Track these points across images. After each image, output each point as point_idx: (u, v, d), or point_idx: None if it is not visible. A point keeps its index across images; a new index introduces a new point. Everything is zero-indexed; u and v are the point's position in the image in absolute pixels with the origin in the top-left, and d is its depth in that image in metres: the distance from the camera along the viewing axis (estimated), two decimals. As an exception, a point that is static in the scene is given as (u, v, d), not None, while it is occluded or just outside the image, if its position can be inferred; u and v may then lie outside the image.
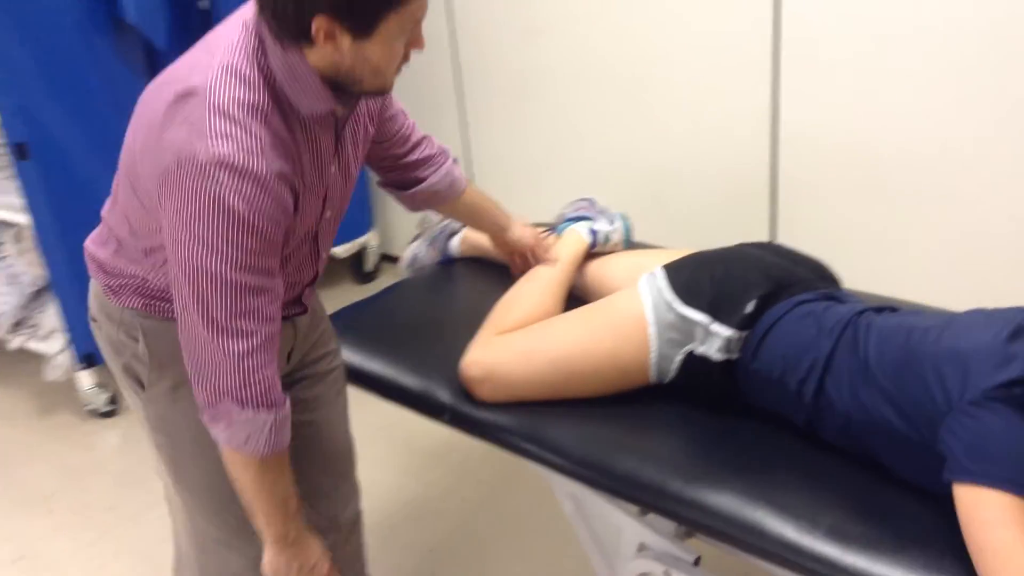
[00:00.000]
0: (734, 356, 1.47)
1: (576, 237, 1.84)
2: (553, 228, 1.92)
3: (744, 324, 1.47)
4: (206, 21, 2.71)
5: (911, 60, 2.08)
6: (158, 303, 1.30)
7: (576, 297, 1.83)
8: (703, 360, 1.48)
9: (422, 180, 1.63)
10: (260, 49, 1.13)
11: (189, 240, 1.09)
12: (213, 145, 1.06)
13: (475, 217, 1.80)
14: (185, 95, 1.10)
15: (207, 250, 1.08)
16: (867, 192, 2.27)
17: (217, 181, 1.06)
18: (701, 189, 2.56)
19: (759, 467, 1.39)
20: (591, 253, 1.87)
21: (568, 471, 1.48)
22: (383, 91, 1.20)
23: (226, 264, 1.09)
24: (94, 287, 1.38)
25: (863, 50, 2.13)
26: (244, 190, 1.07)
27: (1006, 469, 1.09)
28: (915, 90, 2.11)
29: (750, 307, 1.47)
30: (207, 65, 1.12)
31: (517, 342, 1.59)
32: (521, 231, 1.82)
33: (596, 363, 1.53)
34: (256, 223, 1.09)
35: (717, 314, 1.47)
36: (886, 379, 1.28)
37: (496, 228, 1.82)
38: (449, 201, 1.69)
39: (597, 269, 1.84)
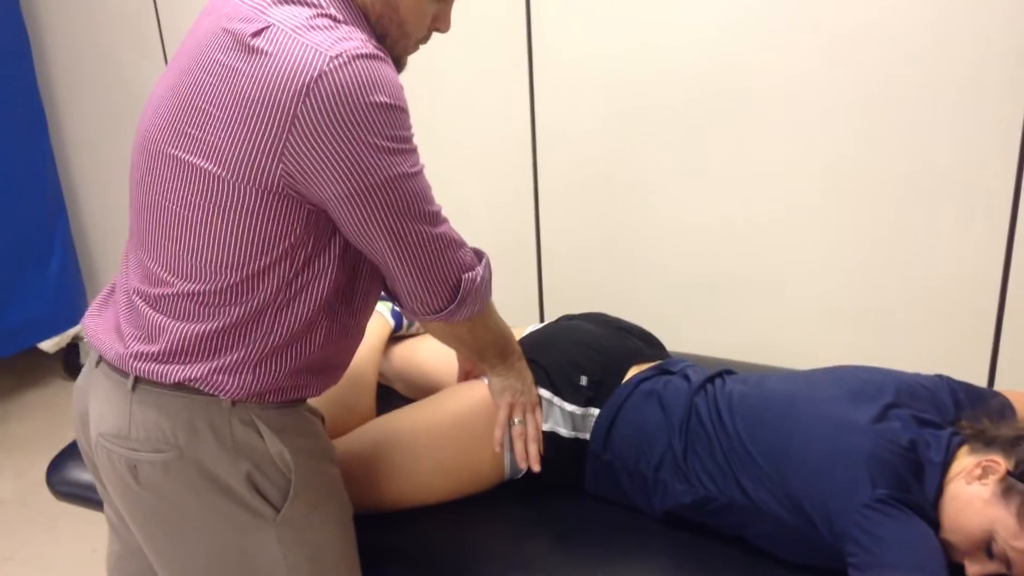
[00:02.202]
0: (583, 436, 1.41)
1: (379, 321, 1.68)
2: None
3: (585, 400, 1.42)
4: None
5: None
6: (282, 381, 1.10)
7: (383, 386, 1.68)
8: (553, 437, 1.40)
9: None
10: None
11: (357, 156, 0.99)
12: (329, 48, 0.97)
13: None
14: (257, 33, 1.00)
15: (379, 153, 1.00)
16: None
17: (359, 82, 0.97)
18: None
19: (633, 560, 1.31)
20: (395, 336, 1.72)
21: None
22: (397, 60, 1.13)
23: (400, 158, 1.03)
24: (147, 392, 1.09)
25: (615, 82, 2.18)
26: (386, 73, 1.01)
27: (911, 558, 1.11)
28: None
29: (583, 380, 1.43)
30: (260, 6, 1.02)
31: (348, 447, 1.40)
32: None
33: (446, 464, 1.39)
34: (405, 102, 1.03)
35: (556, 390, 1.42)
36: (771, 469, 1.27)
37: None
38: None
39: (406, 354, 1.70)
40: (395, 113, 1.01)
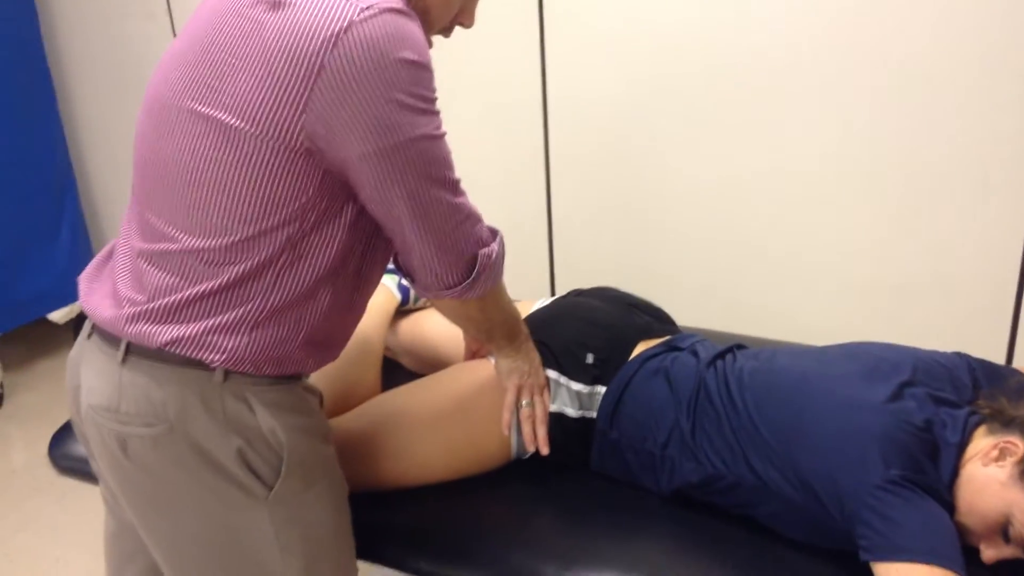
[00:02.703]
0: (590, 414, 1.38)
1: (385, 294, 1.65)
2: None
3: (591, 379, 1.39)
4: None
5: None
6: (278, 350, 1.07)
7: (389, 359, 1.66)
8: (560, 418, 1.38)
9: None
10: None
11: (383, 111, 0.96)
12: (356, 2, 0.95)
13: None
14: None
15: (405, 111, 0.98)
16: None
17: (389, 34, 0.95)
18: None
19: (639, 539, 1.29)
20: (401, 311, 1.70)
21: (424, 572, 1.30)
22: None
23: (425, 118, 1.00)
24: (138, 363, 1.05)
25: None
26: (415, 31, 0.98)
27: (925, 542, 1.08)
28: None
29: (590, 358, 1.40)
30: None
31: (351, 425, 1.38)
32: None
33: (452, 444, 1.36)
34: (428, 59, 1.01)
35: (563, 370, 1.39)
36: (780, 447, 1.23)
37: None
38: None
39: (413, 328, 1.67)
40: (423, 71, 0.99)
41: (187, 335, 1.03)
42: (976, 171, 1.80)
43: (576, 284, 1.72)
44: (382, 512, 1.34)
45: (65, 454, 1.55)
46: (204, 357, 1.03)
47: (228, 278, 1.02)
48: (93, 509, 2.20)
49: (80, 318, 2.99)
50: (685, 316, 1.71)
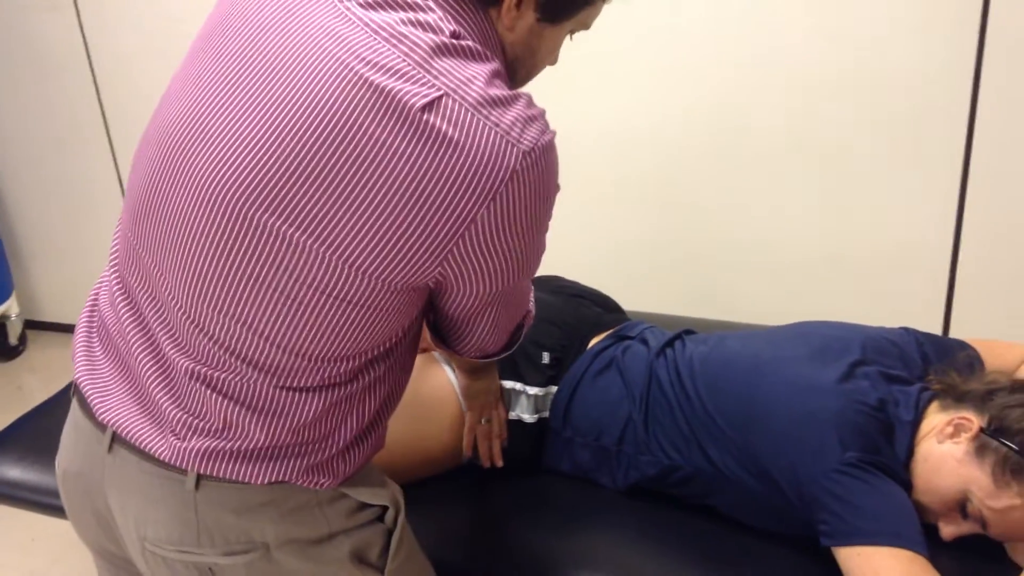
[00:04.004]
0: (545, 415, 1.35)
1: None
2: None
3: (546, 380, 1.36)
4: None
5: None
6: (371, 448, 0.96)
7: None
8: (518, 424, 1.34)
9: None
10: (459, 16, 0.85)
11: (520, 256, 0.85)
12: (520, 137, 0.79)
13: None
14: (428, 106, 0.77)
15: (537, 250, 0.89)
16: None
17: (544, 181, 0.82)
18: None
19: (597, 535, 1.26)
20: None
21: None
22: None
23: (548, 226, 0.89)
24: (216, 487, 0.88)
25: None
26: (556, 155, 0.84)
27: (886, 524, 1.07)
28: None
29: (546, 358, 1.37)
30: (415, 59, 0.79)
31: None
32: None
33: (405, 452, 1.31)
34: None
35: (522, 377, 1.36)
36: (735, 434, 1.22)
37: None
38: None
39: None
40: (555, 196, 0.87)
41: (286, 477, 0.88)
42: (910, 143, 1.81)
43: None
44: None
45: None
46: (312, 483, 0.90)
47: (322, 406, 0.88)
48: (22, 525, 2.10)
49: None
50: (630, 301, 1.69)
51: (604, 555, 1.22)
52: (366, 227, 0.78)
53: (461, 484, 1.36)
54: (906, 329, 1.35)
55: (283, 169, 0.78)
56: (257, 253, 0.80)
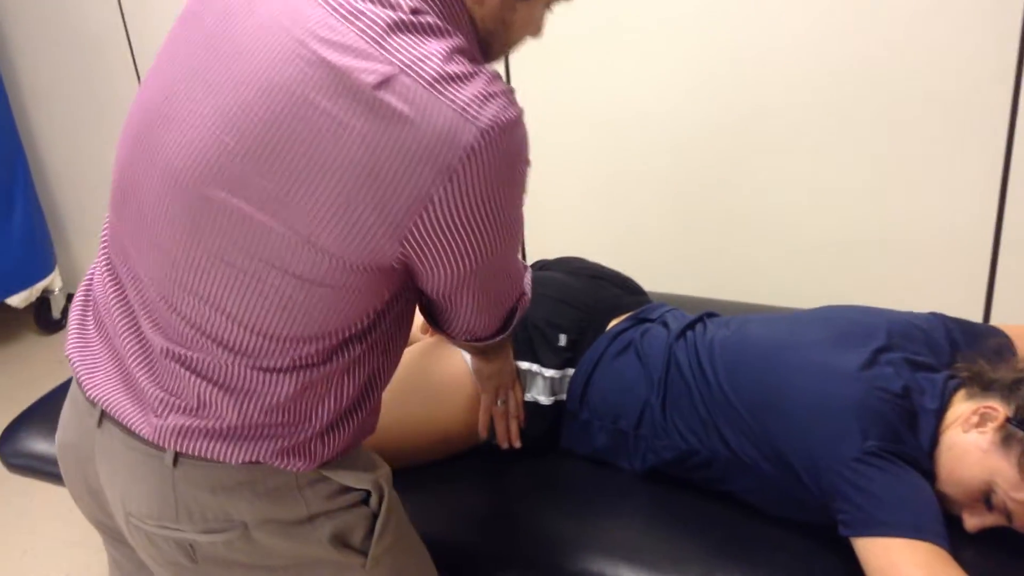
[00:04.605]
0: (562, 398, 1.34)
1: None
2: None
3: (563, 362, 1.34)
4: None
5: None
6: (363, 427, 0.96)
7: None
8: (534, 406, 1.33)
9: None
10: None
11: (487, 238, 0.84)
12: (478, 114, 0.77)
13: None
14: (381, 84, 0.76)
15: (508, 231, 0.86)
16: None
17: (507, 159, 0.80)
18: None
19: (611, 519, 1.25)
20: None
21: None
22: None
23: (521, 224, 0.89)
24: (194, 465, 0.89)
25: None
26: (525, 132, 0.84)
27: (906, 516, 1.04)
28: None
29: (562, 340, 1.35)
30: (373, 37, 0.78)
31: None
32: None
33: (418, 432, 1.32)
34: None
35: (536, 358, 1.34)
36: (754, 420, 1.19)
37: None
38: None
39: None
40: (527, 177, 0.86)
41: (262, 457, 0.89)
42: (951, 122, 1.75)
43: (541, 250, 1.66)
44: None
45: (17, 451, 1.48)
46: (287, 466, 0.90)
47: (297, 386, 0.88)
48: (59, 499, 2.15)
49: (41, 301, 2.91)
50: (653, 283, 1.67)
51: (620, 539, 1.21)
52: (322, 205, 0.78)
53: (478, 465, 1.35)
54: (934, 314, 1.32)
55: (240, 148, 0.79)
56: (219, 233, 0.81)
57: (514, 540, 1.23)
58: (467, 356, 1.32)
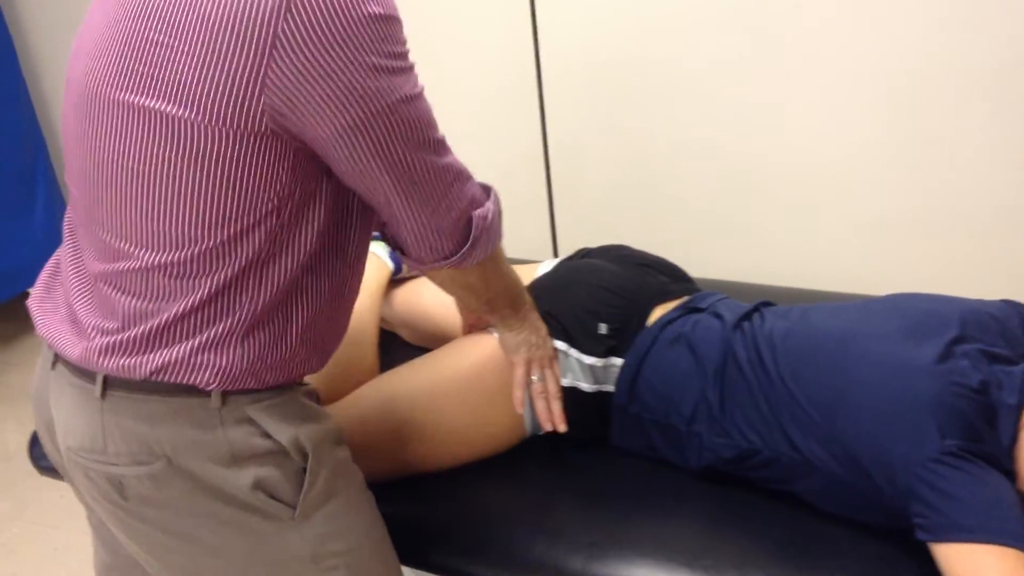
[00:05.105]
0: (607, 388, 1.27)
1: (377, 264, 1.53)
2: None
3: (606, 350, 1.28)
4: None
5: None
6: (276, 354, 0.95)
7: (385, 332, 1.55)
8: (573, 392, 1.27)
9: None
10: None
11: (353, 81, 0.84)
12: None
13: None
14: None
15: (378, 75, 0.85)
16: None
17: None
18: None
19: (669, 519, 1.19)
20: (395, 280, 1.58)
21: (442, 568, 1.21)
22: None
23: (401, 78, 0.88)
24: (121, 398, 0.93)
25: None
26: None
27: (991, 520, 0.98)
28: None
29: (603, 328, 1.29)
30: None
31: (348, 412, 1.27)
32: None
33: (460, 426, 1.26)
34: (395, 8, 0.88)
35: (573, 342, 1.28)
36: (822, 418, 1.13)
37: None
38: None
39: (409, 298, 1.55)
40: (390, 25, 0.86)
41: (173, 359, 0.90)
42: (992, 90, 1.66)
43: (581, 241, 1.60)
44: (390, 505, 1.23)
45: (45, 454, 1.44)
46: (197, 380, 0.91)
47: (207, 290, 0.90)
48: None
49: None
50: (698, 267, 1.59)
51: (680, 541, 1.16)
52: (186, 71, 0.82)
53: (522, 463, 1.31)
54: (1007, 302, 1.24)
55: (117, 44, 0.86)
56: (114, 131, 0.87)
57: (564, 541, 1.18)
58: (495, 334, 1.28)
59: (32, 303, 1.04)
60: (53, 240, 2.78)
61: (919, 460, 1.03)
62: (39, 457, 1.45)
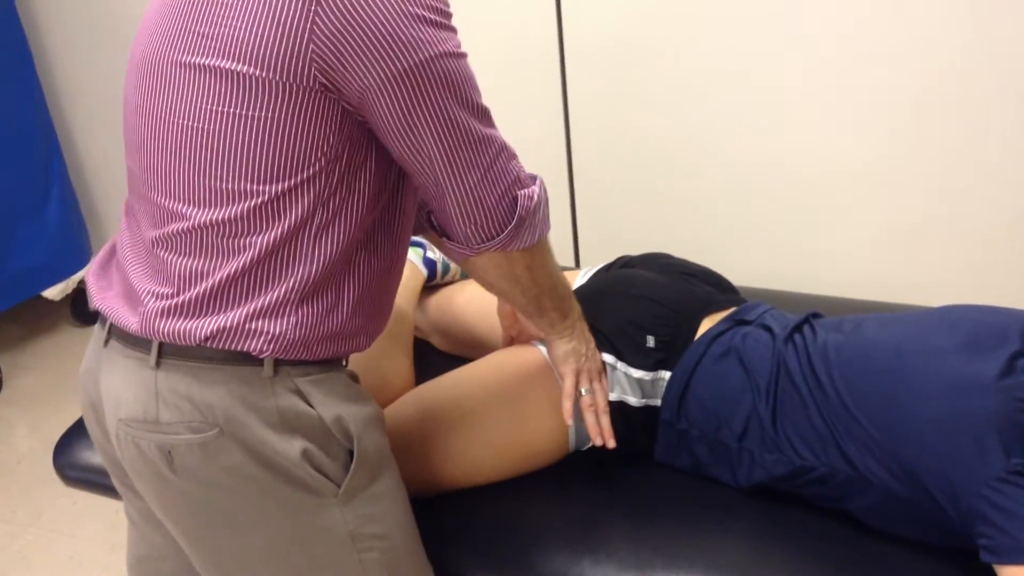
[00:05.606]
0: (654, 403, 1.24)
1: (410, 270, 1.50)
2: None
3: (654, 363, 1.24)
4: None
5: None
6: (329, 325, 0.96)
7: (419, 340, 1.51)
8: (620, 407, 1.24)
9: None
10: None
11: (396, 28, 0.85)
12: None
13: None
14: None
15: (421, 25, 0.87)
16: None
17: None
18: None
19: (719, 537, 1.16)
20: (428, 287, 1.55)
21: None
22: None
23: (445, 33, 0.89)
24: (175, 365, 0.94)
25: None
26: None
27: None
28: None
29: (651, 341, 1.26)
30: None
31: (391, 420, 1.24)
32: None
33: (502, 440, 1.23)
34: None
35: (620, 355, 1.25)
36: (880, 434, 1.09)
37: None
38: None
39: (443, 305, 1.52)
40: None
41: (228, 325, 0.91)
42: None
43: (601, 247, 1.56)
44: (431, 519, 1.21)
45: (72, 463, 1.41)
46: (251, 347, 0.92)
47: (258, 251, 0.91)
48: (104, 503, 2.09)
49: (77, 293, 2.85)
50: (732, 274, 1.56)
51: (732, 560, 1.13)
52: (241, 28, 0.85)
53: (565, 479, 1.27)
54: None
55: (178, 13, 0.90)
56: (169, 92, 0.90)
57: (613, 560, 1.15)
58: (544, 352, 1.24)
59: (89, 279, 1.05)
60: (67, 243, 2.75)
61: (983, 479, 0.99)
62: (65, 466, 1.42)
